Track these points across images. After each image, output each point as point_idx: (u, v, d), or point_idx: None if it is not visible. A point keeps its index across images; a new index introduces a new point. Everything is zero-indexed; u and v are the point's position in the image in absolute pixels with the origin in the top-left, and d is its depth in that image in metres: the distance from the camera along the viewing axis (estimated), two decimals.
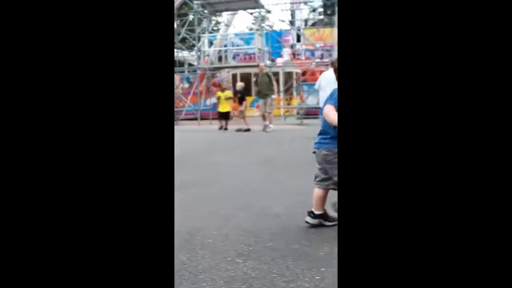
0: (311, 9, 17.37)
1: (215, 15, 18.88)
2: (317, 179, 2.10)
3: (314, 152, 2.07)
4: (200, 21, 14.40)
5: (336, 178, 1.99)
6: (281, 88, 11.56)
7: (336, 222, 2.07)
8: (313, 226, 2.10)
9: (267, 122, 8.54)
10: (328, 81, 7.61)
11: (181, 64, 15.08)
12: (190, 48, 14.90)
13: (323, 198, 2.09)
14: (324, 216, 2.10)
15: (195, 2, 12.82)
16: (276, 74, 10.87)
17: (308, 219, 2.10)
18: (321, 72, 12.45)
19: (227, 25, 16.40)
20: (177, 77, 12.92)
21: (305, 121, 10.82)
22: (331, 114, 1.93)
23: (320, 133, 2.05)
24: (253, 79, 10.75)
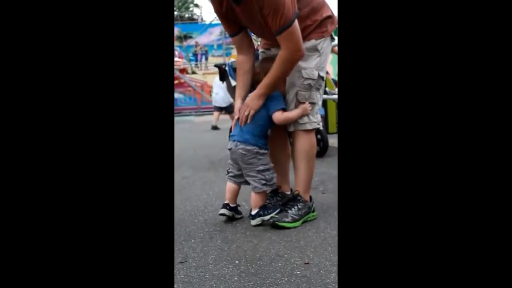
0: None
1: None
2: (230, 174, 2.16)
3: (229, 149, 2.12)
4: None
5: (248, 178, 2.09)
6: None
7: (241, 215, 2.19)
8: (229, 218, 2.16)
9: None
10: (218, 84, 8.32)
11: None
12: None
13: (237, 192, 2.18)
14: (236, 209, 2.19)
15: None
16: None
17: (225, 211, 2.15)
18: None
19: None
20: None
21: None
22: (283, 117, 2.07)
23: (241, 132, 2.09)
24: None
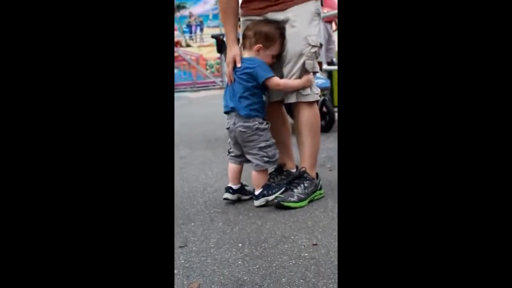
0: None
1: None
2: (231, 154, 2.15)
3: (227, 128, 2.10)
4: None
5: (249, 156, 2.07)
6: None
7: (251, 195, 2.14)
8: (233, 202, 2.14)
9: None
10: None
11: None
12: None
13: (240, 172, 2.16)
14: (242, 190, 2.17)
15: None
16: None
17: (228, 195, 2.13)
18: None
19: None
20: None
21: None
22: (282, 82, 2.05)
23: (232, 110, 2.06)
24: None
